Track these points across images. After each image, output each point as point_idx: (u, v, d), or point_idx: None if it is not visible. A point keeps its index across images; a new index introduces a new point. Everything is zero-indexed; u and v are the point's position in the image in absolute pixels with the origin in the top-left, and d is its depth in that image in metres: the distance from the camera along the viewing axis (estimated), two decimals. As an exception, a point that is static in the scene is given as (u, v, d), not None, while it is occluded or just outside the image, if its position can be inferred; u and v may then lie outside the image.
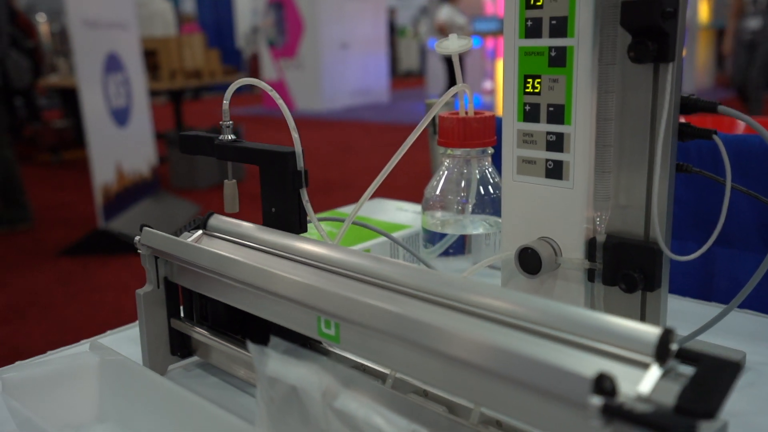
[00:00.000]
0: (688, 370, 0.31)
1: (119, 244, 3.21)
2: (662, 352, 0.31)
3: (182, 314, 0.55)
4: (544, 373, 0.30)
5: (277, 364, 0.36)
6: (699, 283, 0.76)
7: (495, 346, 0.32)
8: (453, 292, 0.38)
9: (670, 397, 0.29)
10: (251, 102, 10.43)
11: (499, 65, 7.30)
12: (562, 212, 0.48)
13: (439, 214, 0.64)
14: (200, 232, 0.54)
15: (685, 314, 0.63)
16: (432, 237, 0.65)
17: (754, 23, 5.33)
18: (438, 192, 0.64)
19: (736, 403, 0.46)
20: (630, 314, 0.48)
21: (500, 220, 0.52)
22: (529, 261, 0.48)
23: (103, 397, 0.47)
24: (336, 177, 4.81)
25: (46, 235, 3.70)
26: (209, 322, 0.55)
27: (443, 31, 7.32)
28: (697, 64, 9.35)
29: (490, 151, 0.63)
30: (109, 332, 0.63)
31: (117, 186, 3.37)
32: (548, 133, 0.47)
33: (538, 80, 0.47)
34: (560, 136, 0.47)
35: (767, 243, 0.72)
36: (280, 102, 0.51)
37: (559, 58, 0.46)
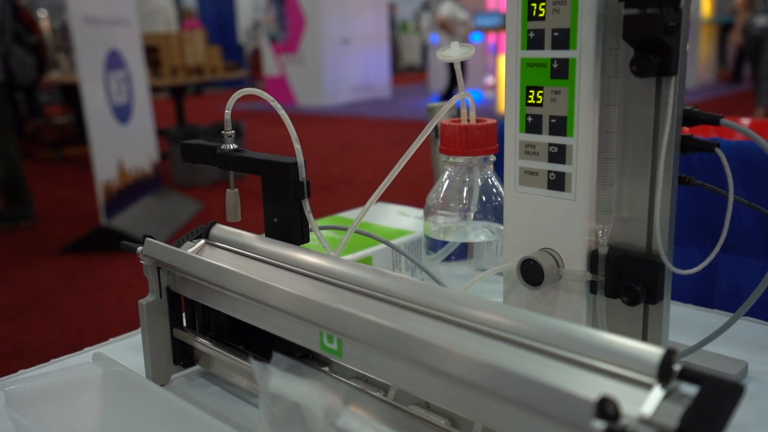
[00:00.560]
0: (690, 390, 0.31)
1: (121, 242, 3.20)
2: (665, 372, 0.31)
3: (185, 323, 0.56)
4: (546, 395, 0.30)
5: (280, 380, 0.36)
6: (701, 289, 0.76)
7: (497, 366, 0.32)
8: (455, 307, 0.38)
9: (672, 419, 0.29)
10: (253, 97, 10.41)
11: (501, 60, 7.27)
12: (564, 224, 0.48)
13: (441, 221, 0.64)
14: (203, 241, 0.54)
15: (687, 322, 0.63)
16: (434, 244, 0.65)
17: (764, 20, 5.60)
18: (440, 199, 0.64)
19: (738, 415, 0.46)
20: (632, 326, 0.48)
21: (502, 227, 0.52)
22: (532, 272, 0.48)
23: (105, 410, 0.47)
24: (338, 173, 4.81)
25: (49, 232, 3.71)
26: (211, 332, 0.55)
27: (445, 26, 7.31)
28: (699, 60, 9.32)
29: (492, 158, 0.62)
30: (111, 339, 0.63)
31: (119, 183, 3.38)
32: (550, 144, 0.47)
33: (541, 92, 0.47)
34: (562, 148, 0.47)
35: (769, 249, 0.72)
36: (282, 113, 0.51)
37: (562, 70, 0.46)
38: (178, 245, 0.54)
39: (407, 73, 13.74)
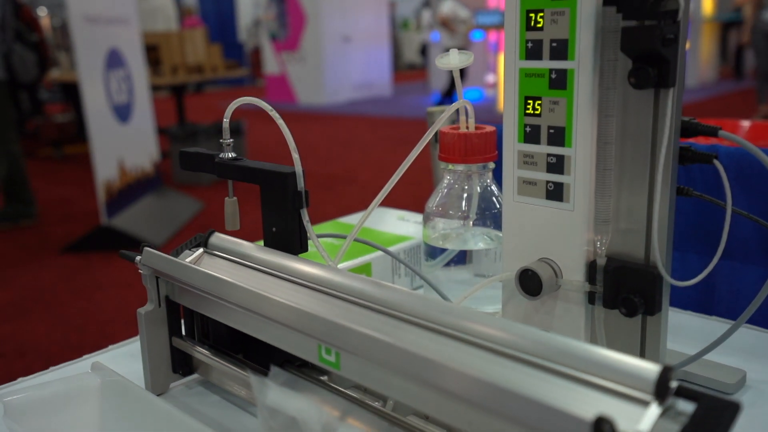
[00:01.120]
0: (687, 408, 0.31)
1: (122, 241, 3.21)
2: (662, 389, 0.31)
3: (184, 332, 0.56)
4: (543, 413, 0.30)
5: (277, 395, 0.36)
6: (700, 295, 0.76)
7: (493, 383, 0.32)
8: (453, 320, 0.38)
9: (669, 438, 0.29)
10: (254, 95, 10.40)
11: (502, 58, 7.27)
12: (562, 234, 0.48)
13: (440, 228, 0.64)
14: (201, 250, 0.54)
15: (686, 329, 0.63)
16: (433, 251, 0.65)
17: None
18: (439, 207, 0.64)
19: (736, 425, 0.46)
20: (630, 337, 0.48)
21: (501, 234, 0.52)
22: (530, 283, 0.48)
23: (104, 421, 0.47)
24: (338, 171, 4.81)
25: (50, 231, 3.71)
26: (210, 341, 0.55)
27: (446, 24, 7.30)
28: (700, 58, 9.31)
29: (491, 165, 0.62)
30: (111, 347, 0.63)
31: (119, 182, 3.38)
32: (549, 155, 0.47)
33: (539, 102, 0.47)
34: (561, 158, 0.47)
35: (768, 256, 0.72)
36: (280, 122, 0.51)
37: (560, 81, 0.45)
38: (177, 254, 0.55)
39: (408, 71, 13.73)
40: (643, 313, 0.45)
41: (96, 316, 2.57)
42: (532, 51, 0.46)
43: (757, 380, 0.53)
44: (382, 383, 0.39)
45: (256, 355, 0.52)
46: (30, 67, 4.24)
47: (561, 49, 0.45)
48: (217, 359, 0.52)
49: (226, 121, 0.54)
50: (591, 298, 0.47)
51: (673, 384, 0.31)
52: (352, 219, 0.83)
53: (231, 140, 0.55)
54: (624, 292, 0.45)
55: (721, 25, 9.88)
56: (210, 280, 0.48)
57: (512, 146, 0.49)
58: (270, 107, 0.52)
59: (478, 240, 0.64)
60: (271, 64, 9.36)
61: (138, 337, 0.62)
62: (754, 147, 0.41)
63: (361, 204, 3.95)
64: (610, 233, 0.46)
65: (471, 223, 0.64)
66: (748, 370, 0.53)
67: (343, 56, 9.07)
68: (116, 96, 3.46)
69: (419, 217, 0.81)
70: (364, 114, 7.92)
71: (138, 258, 0.53)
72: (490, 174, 0.63)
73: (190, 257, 0.53)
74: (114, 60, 3.46)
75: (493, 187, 0.63)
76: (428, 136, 0.54)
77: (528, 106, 0.48)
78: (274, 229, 0.53)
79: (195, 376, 0.56)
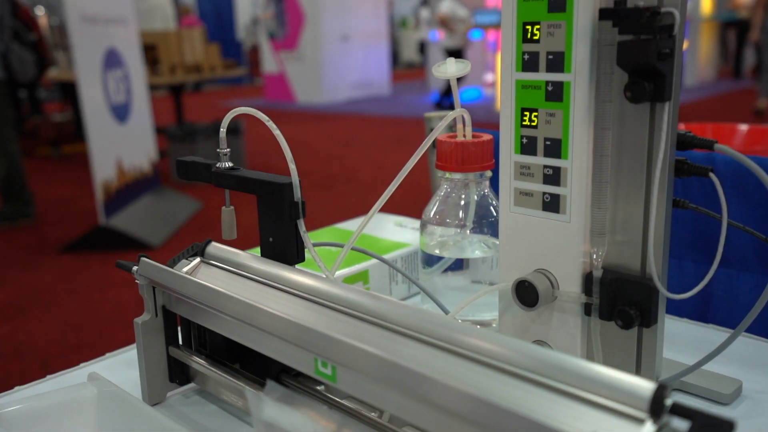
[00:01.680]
0: (682, 425, 0.31)
1: (120, 241, 3.21)
2: (656, 407, 0.31)
3: (180, 341, 0.56)
4: (538, 431, 0.30)
5: (273, 410, 0.36)
6: (696, 303, 0.76)
7: (489, 401, 0.32)
8: (450, 334, 0.38)
9: (663, 457, 0.29)
10: (252, 94, 10.41)
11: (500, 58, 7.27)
12: (559, 245, 0.48)
13: (437, 236, 0.65)
14: (198, 259, 0.54)
15: (683, 338, 0.63)
16: (430, 259, 0.65)
17: None
18: (436, 215, 0.64)
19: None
20: (626, 348, 0.48)
21: (498, 242, 0.53)
22: (527, 294, 0.48)
23: (100, 431, 0.47)
24: (337, 171, 4.81)
25: (48, 231, 3.71)
26: (207, 350, 0.55)
27: (445, 23, 7.30)
28: (699, 57, 9.32)
29: (488, 174, 0.62)
30: (108, 355, 0.63)
31: (117, 182, 3.37)
32: (545, 166, 0.47)
33: (535, 113, 0.47)
34: (557, 170, 0.47)
35: (765, 264, 0.72)
36: (277, 132, 0.51)
37: (556, 93, 0.46)
38: (174, 263, 0.55)
39: (407, 69, 13.73)
40: (639, 325, 0.45)
41: (94, 316, 2.57)
42: (529, 63, 0.47)
43: (754, 390, 0.53)
44: (378, 397, 0.39)
45: (253, 365, 0.53)
46: (28, 66, 4.24)
47: (557, 62, 0.45)
48: (213, 369, 0.52)
49: (223, 131, 0.54)
50: (587, 309, 0.47)
51: (668, 401, 0.31)
52: (350, 225, 0.83)
53: (228, 150, 0.55)
54: (620, 304, 0.45)
55: (720, 24, 9.88)
56: (207, 291, 0.48)
57: (509, 157, 0.49)
58: (266, 117, 0.52)
59: (475, 248, 0.64)
60: (269, 62, 9.36)
61: (134, 345, 0.63)
62: (749, 161, 0.41)
63: (359, 203, 3.96)
64: (606, 245, 0.46)
65: (468, 231, 0.64)
66: (744, 380, 0.54)
67: (341, 55, 9.07)
68: (114, 96, 3.45)
69: (417, 223, 0.81)
70: (362, 113, 7.92)
71: (135, 268, 0.53)
72: (487, 182, 0.63)
73: (187, 267, 0.53)
74: (112, 60, 3.45)
75: (490, 196, 0.63)
76: (425, 145, 0.54)
77: (524, 118, 0.48)
78: (271, 239, 0.53)
79: (192, 385, 0.56)
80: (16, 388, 0.58)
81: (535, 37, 0.46)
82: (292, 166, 0.51)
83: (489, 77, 8.85)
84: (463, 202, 0.63)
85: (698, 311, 0.76)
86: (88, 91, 3.16)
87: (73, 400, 0.47)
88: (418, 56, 13.28)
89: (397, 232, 0.79)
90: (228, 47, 9.41)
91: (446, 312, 0.62)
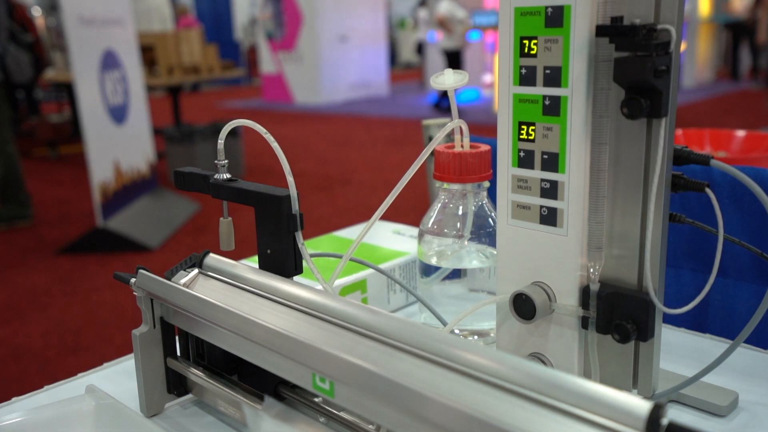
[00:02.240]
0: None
1: (118, 243, 3.21)
2: (652, 426, 0.31)
3: (178, 352, 0.56)
4: (534, 452, 0.30)
5: (271, 426, 0.36)
6: (694, 312, 0.76)
7: (485, 420, 0.32)
8: (448, 350, 0.38)
9: (658, 477, 0.29)
10: (250, 94, 10.40)
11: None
12: (556, 259, 0.48)
13: (435, 246, 0.65)
14: (196, 271, 0.54)
15: (680, 348, 0.63)
16: (428, 268, 0.65)
17: None
18: (434, 225, 0.64)
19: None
20: (623, 361, 0.48)
21: (495, 252, 0.53)
22: (524, 306, 0.48)
23: (99, 445, 0.47)
24: (335, 172, 4.80)
25: (45, 232, 3.71)
26: (205, 362, 0.55)
27: (443, 24, 7.31)
28: (697, 59, 9.33)
29: (486, 184, 0.63)
30: (105, 365, 0.64)
31: (115, 184, 3.37)
32: (542, 180, 0.47)
33: (533, 127, 0.47)
34: (554, 184, 0.47)
35: (762, 274, 0.72)
36: (275, 145, 0.51)
37: (554, 107, 0.46)
38: (172, 274, 0.55)
39: (405, 70, 13.73)
40: (635, 339, 0.45)
41: (92, 319, 2.57)
42: (526, 77, 0.47)
43: (750, 402, 0.53)
44: (375, 413, 0.39)
45: (251, 377, 0.53)
46: (24, 67, 4.23)
47: (554, 77, 0.45)
48: (211, 381, 0.52)
49: (221, 142, 0.54)
50: (584, 322, 0.47)
51: (664, 421, 0.32)
52: (348, 233, 0.83)
53: (226, 161, 0.55)
54: (617, 318, 0.45)
55: (718, 26, 9.90)
56: (204, 305, 0.48)
57: (506, 170, 0.49)
58: (264, 130, 0.52)
59: (473, 258, 0.64)
60: (267, 63, 9.36)
61: (131, 355, 0.63)
62: (744, 176, 0.41)
63: (357, 205, 3.95)
64: (603, 259, 0.46)
65: (466, 241, 0.64)
66: (741, 391, 0.54)
67: (339, 55, 9.07)
68: (111, 97, 3.45)
69: (415, 231, 0.81)
70: (360, 114, 7.92)
71: (133, 280, 0.53)
72: (485, 192, 0.63)
73: (185, 278, 0.53)
74: (109, 61, 3.45)
75: (488, 206, 0.63)
76: (423, 157, 0.54)
77: (522, 132, 0.48)
78: (269, 250, 0.53)
79: (189, 396, 0.56)
80: (14, 399, 0.58)
81: (533, 52, 0.46)
82: (290, 179, 0.51)
83: (487, 78, 8.86)
84: (460, 213, 0.63)
85: (695, 320, 0.76)
86: (86, 93, 3.16)
87: (72, 413, 0.47)
88: (416, 57, 13.29)
89: (395, 240, 0.79)
90: (226, 48, 9.40)
91: (444, 323, 0.62)
